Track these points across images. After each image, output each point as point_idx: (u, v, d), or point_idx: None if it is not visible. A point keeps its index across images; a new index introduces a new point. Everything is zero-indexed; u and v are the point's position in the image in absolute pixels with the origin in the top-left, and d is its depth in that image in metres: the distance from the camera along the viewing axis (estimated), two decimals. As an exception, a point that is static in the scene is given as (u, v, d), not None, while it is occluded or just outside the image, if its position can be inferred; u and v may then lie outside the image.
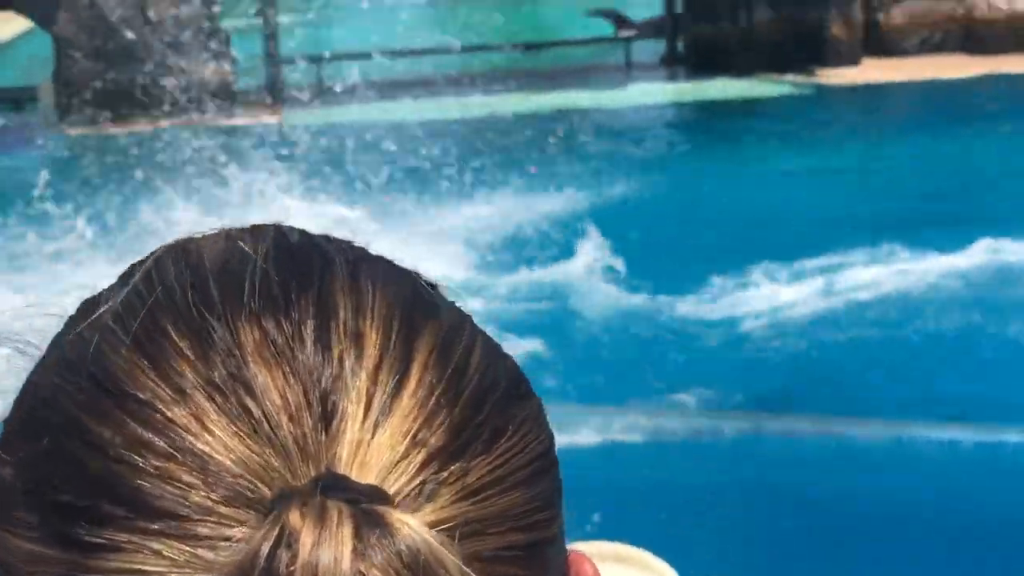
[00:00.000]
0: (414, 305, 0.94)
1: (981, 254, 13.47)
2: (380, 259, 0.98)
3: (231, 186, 17.61)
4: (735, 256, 13.83)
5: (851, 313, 12.16)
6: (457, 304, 0.99)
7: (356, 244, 0.99)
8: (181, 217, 15.27)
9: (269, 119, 25.34)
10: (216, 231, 0.98)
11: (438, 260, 14.13)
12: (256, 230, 0.97)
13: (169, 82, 25.06)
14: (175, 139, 21.04)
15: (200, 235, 0.98)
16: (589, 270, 13.75)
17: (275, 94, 27.42)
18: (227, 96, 25.49)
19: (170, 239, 0.98)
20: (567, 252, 14.34)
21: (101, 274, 1.08)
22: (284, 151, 21.93)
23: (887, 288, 12.74)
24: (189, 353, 0.88)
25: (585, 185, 17.35)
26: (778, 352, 11.34)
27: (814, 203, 16.07)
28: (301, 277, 0.92)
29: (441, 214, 16.57)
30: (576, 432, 8.15)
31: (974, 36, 27.98)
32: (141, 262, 0.97)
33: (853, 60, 27.23)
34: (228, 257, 0.94)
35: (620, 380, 10.67)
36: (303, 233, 0.98)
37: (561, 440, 0.95)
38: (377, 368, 0.90)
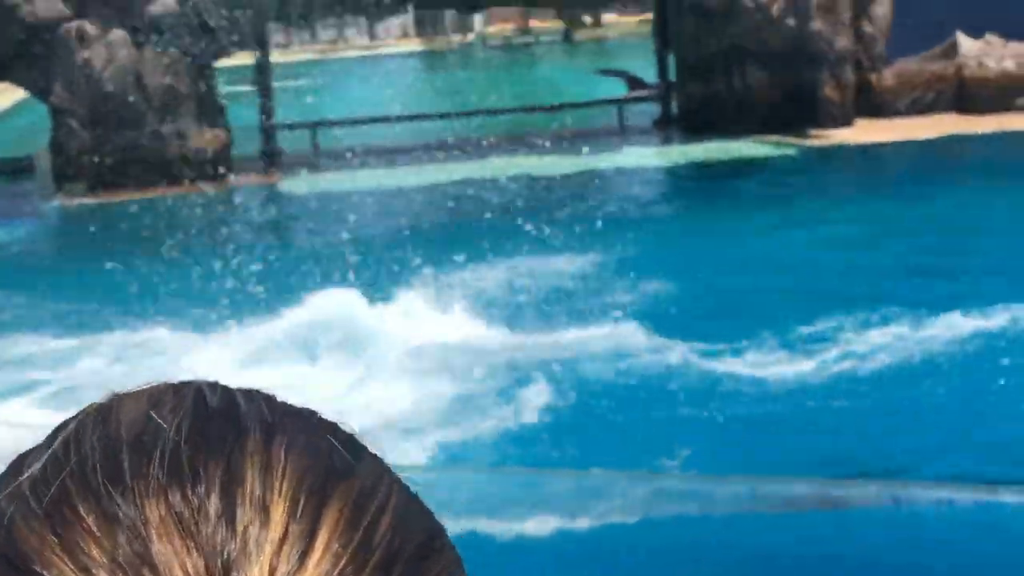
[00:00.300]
0: (327, 469, 0.94)
1: (991, 313, 13.37)
2: (299, 417, 0.97)
3: (227, 247, 17.54)
4: (735, 319, 13.88)
5: (846, 377, 12.15)
6: (376, 454, 0.98)
7: (277, 401, 0.98)
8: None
9: (266, 183, 25.41)
10: (141, 391, 0.98)
11: (448, 320, 14.28)
12: (178, 392, 0.98)
13: (166, 150, 25.19)
14: (173, 206, 21.12)
15: (126, 395, 0.99)
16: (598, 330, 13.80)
17: (271, 160, 27.56)
18: (224, 162, 25.60)
19: (100, 397, 0.99)
20: (573, 313, 14.39)
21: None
22: (281, 213, 22.07)
23: (883, 352, 12.72)
24: (96, 530, 0.90)
25: (587, 247, 17.37)
26: (771, 416, 11.33)
27: (811, 265, 16.11)
28: (212, 447, 0.93)
29: (449, 278, 16.49)
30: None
31: (965, 96, 28.15)
32: (67, 423, 0.98)
33: (846, 121, 27.38)
34: (143, 427, 0.95)
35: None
36: (224, 393, 0.98)
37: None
38: (283, 539, 0.90)
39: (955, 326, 13.20)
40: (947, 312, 13.54)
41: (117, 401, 0.98)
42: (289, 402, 0.99)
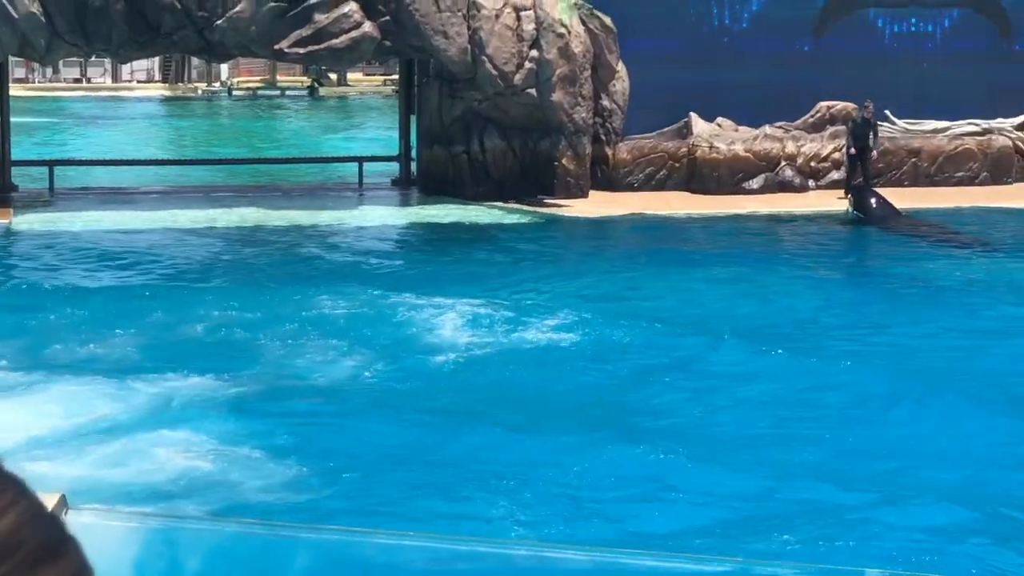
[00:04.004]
0: None
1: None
2: None
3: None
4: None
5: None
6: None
7: None
8: None
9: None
10: None
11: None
12: None
13: None
14: None
15: None
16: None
17: (3, 197, 27.08)
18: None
19: None
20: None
21: None
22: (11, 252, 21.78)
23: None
24: None
25: (308, 303, 17.45)
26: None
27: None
28: None
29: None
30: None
31: (696, 175, 29.01)
32: None
33: (582, 192, 27.94)
34: None
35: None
36: None
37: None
38: None
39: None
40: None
41: None
42: None
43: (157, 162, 33.28)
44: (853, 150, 28.37)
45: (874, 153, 28.52)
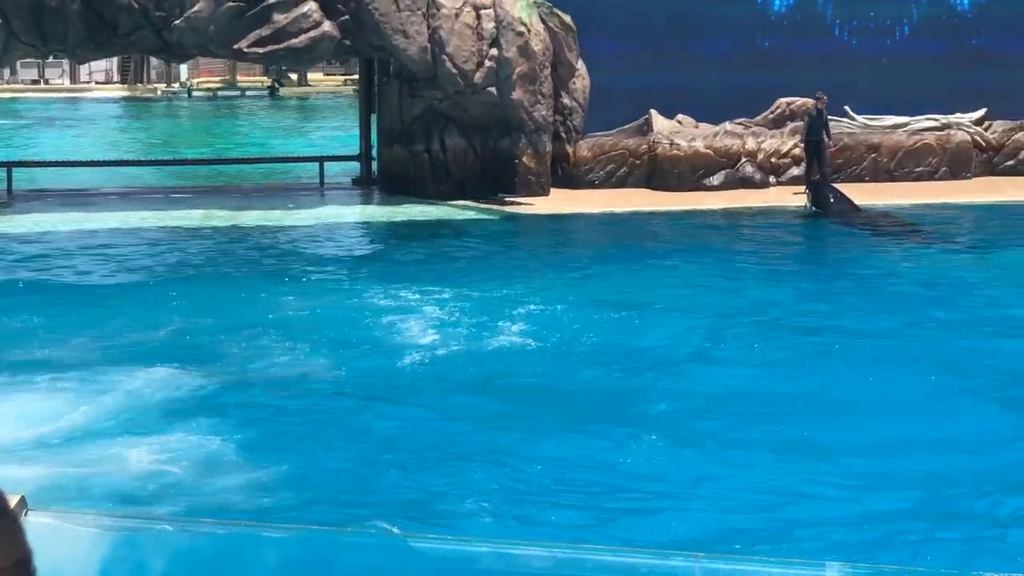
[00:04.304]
0: None
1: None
2: None
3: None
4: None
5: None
6: None
7: None
8: None
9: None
10: None
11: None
12: None
13: None
14: None
15: None
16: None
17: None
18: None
19: None
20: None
21: None
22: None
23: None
24: None
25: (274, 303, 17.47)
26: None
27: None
28: None
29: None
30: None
31: (657, 172, 29.08)
32: None
33: (543, 190, 27.97)
34: None
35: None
36: None
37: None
38: None
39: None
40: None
41: None
42: None
43: (117, 163, 33.16)
44: (803, 144, 28.60)
45: (829, 142, 28.61)
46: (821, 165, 28.48)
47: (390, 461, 11.34)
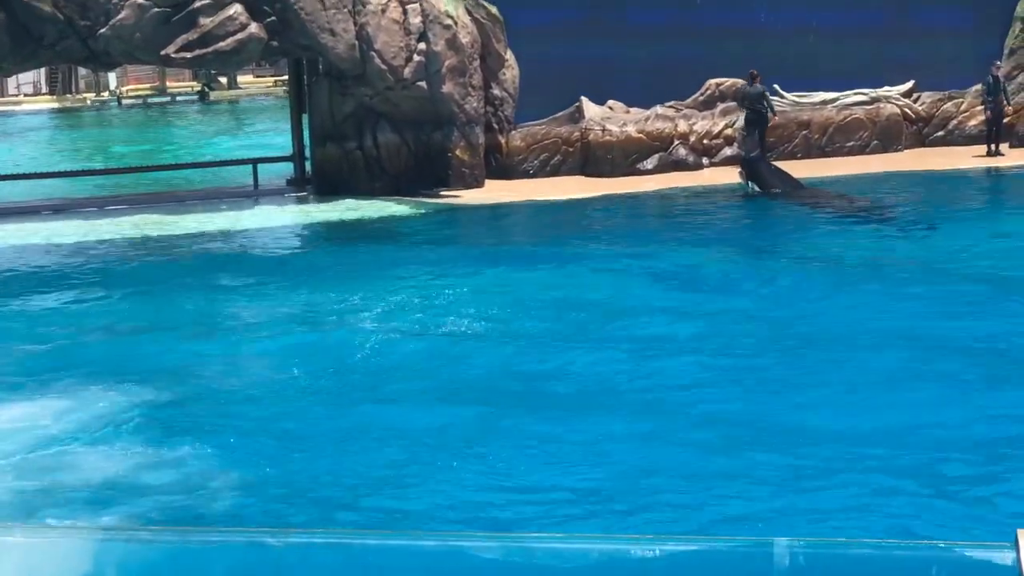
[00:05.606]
0: None
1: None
2: None
3: None
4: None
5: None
6: None
7: None
8: None
9: None
10: None
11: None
12: None
13: None
14: None
15: None
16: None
17: None
18: None
19: None
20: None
21: None
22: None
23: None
24: None
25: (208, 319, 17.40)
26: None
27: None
28: None
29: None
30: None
31: (591, 159, 29.15)
32: None
33: (477, 182, 28.00)
34: None
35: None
36: None
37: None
38: None
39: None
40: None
41: None
42: None
43: (45, 175, 32.84)
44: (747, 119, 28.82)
45: (773, 117, 28.86)
46: (762, 139, 28.67)
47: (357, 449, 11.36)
